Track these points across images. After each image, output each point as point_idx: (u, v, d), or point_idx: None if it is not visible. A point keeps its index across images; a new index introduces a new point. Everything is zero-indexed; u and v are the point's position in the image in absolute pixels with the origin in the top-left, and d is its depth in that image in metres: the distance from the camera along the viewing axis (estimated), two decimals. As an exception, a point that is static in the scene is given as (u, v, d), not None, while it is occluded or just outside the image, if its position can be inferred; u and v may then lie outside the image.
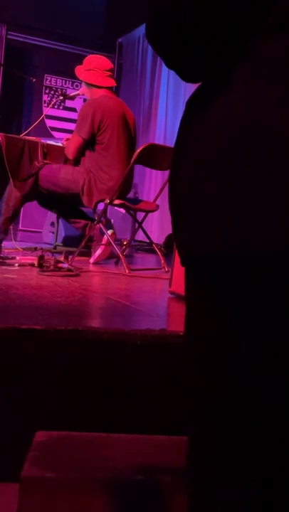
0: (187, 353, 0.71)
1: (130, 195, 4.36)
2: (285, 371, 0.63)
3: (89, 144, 3.96)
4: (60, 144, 4.41)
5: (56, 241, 4.84)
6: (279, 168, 0.57)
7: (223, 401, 0.66)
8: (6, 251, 3.90)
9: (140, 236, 4.97)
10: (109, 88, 4.10)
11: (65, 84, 7.66)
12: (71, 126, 7.02)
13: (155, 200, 4.12)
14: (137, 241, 5.40)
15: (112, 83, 4.11)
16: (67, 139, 4.17)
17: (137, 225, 4.22)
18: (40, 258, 3.34)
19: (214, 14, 0.61)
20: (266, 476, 0.65)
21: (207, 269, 0.65)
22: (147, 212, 4.12)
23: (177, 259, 2.60)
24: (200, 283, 0.68)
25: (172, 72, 0.78)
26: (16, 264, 3.38)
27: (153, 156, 3.72)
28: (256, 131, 0.59)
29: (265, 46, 0.60)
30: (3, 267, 3.25)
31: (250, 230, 0.59)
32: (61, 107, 7.57)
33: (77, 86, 7.29)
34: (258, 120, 0.59)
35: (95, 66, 4.02)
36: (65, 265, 3.31)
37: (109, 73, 4.06)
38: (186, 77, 0.69)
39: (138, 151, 3.64)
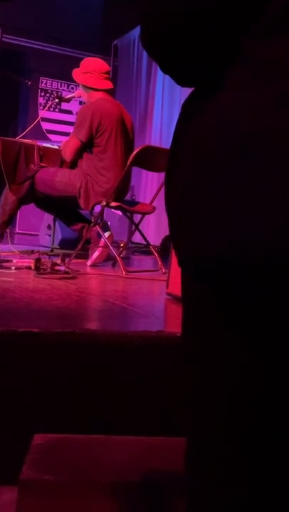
0: (185, 354, 0.71)
1: (127, 197, 4.36)
2: (286, 371, 0.63)
3: (87, 146, 3.96)
4: (56, 147, 4.41)
5: (53, 244, 4.84)
6: (277, 168, 0.57)
7: (222, 401, 0.66)
8: (2, 254, 3.89)
9: (137, 238, 4.97)
10: (107, 90, 4.10)
11: (61, 86, 7.65)
12: (67, 128, 7.02)
13: (152, 202, 4.12)
14: (133, 243, 5.40)
15: (109, 85, 4.11)
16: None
17: (133, 227, 4.23)
18: (37, 261, 3.33)
19: (208, 16, 0.61)
20: (266, 480, 0.65)
21: (205, 270, 0.65)
22: (144, 214, 4.13)
23: (174, 260, 2.60)
24: (197, 284, 0.68)
25: (168, 73, 0.78)
26: (13, 268, 3.37)
27: (149, 158, 3.72)
28: (253, 132, 0.59)
29: (259, 47, 0.60)
30: (0, 270, 3.24)
31: (249, 230, 0.58)
32: (57, 110, 7.56)
33: (72, 88, 7.29)
34: (255, 120, 0.59)
35: (91, 69, 4.03)
36: (62, 268, 3.30)
37: (106, 75, 4.07)
38: (181, 81, 0.68)
39: (134, 153, 3.65)
